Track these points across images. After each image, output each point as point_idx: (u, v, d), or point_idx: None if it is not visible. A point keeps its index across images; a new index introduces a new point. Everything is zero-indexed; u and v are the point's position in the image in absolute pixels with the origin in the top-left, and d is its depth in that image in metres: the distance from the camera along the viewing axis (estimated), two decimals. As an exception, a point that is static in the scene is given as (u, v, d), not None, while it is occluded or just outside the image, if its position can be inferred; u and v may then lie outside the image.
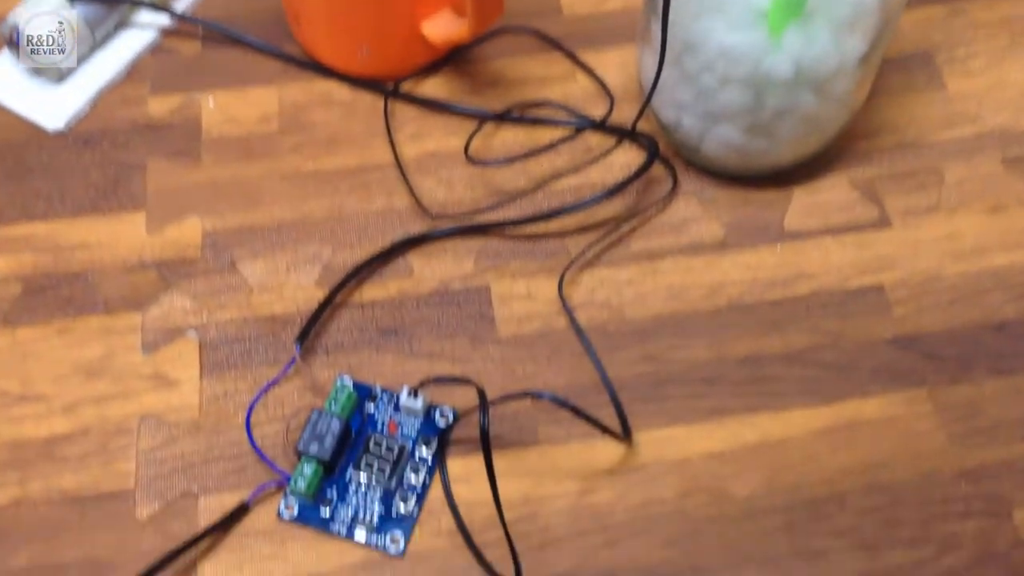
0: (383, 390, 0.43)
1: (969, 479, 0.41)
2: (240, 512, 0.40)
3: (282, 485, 0.40)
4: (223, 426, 0.42)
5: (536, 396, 0.39)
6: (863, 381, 0.44)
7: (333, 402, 0.41)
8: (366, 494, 0.40)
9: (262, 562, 0.39)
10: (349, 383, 0.42)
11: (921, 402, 0.43)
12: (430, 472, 0.41)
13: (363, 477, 0.41)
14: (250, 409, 0.42)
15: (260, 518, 0.40)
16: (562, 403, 0.39)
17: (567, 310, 0.45)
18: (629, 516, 0.40)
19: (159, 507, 0.40)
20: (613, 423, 0.41)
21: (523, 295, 0.46)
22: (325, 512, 0.40)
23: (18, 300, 0.45)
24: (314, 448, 0.40)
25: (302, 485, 0.39)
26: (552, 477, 0.41)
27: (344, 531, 0.40)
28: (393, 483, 0.40)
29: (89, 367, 0.44)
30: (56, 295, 0.45)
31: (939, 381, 0.44)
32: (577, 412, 0.39)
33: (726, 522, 0.40)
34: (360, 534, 0.40)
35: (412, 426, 0.42)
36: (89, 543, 0.40)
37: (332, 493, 0.40)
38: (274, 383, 0.43)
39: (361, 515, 0.40)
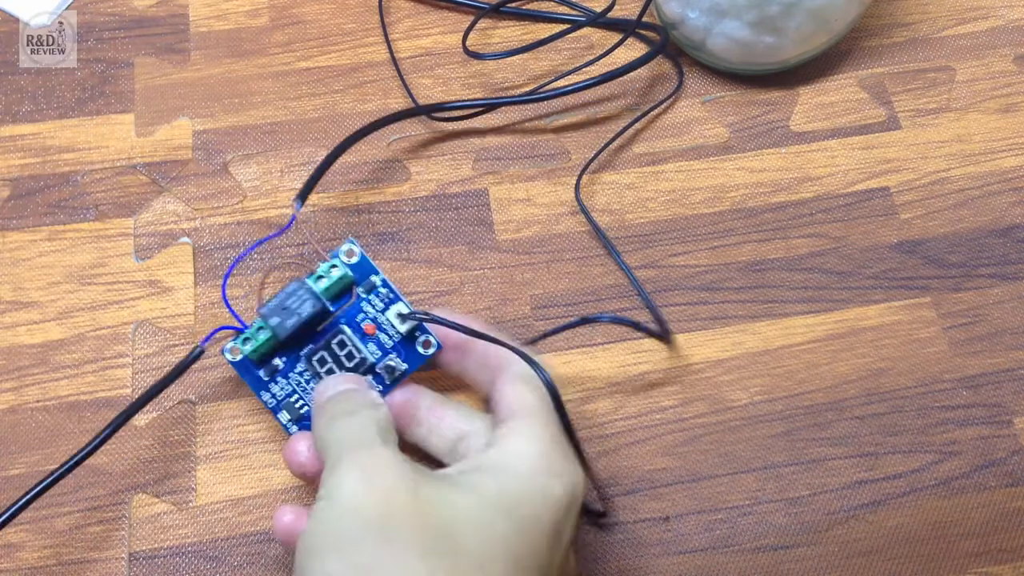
0: (385, 282, 0.38)
1: (970, 386, 0.41)
2: (196, 356, 0.38)
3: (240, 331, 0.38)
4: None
5: (592, 320, 0.38)
6: (866, 287, 0.43)
7: (324, 276, 0.37)
8: (305, 386, 0.38)
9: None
10: (354, 256, 0.38)
11: (924, 308, 0.43)
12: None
13: (308, 371, 0.38)
14: (230, 269, 0.43)
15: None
16: (619, 321, 0.38)
17: (587, 215, 0.44)
18: (628, 424, 0.40)
19: (157, 414, 0.40)
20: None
21: (522, 199, 0.45)
22: (265, 375, 0.38)
23: (5, 203, 0.44)
24: (274, 321, 0.36)
25: (250, 347, 0.37)
26: (551, 385, 0.41)
27: (272, 403, 0.38)
28: None
29: (81, 273, 0.43)
30: (45, 199, 0.44)
31: (943, 287, 0.43)
32: (636, 327, 0.39)
33: (725, 430, 0.40)
34: (284, 415, 0.38)
35: (387, 341, 0.38)
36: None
37: (280, 362, 0.38)
38: (261, 243, 0.43)
39: (293, 400, 0.38)
